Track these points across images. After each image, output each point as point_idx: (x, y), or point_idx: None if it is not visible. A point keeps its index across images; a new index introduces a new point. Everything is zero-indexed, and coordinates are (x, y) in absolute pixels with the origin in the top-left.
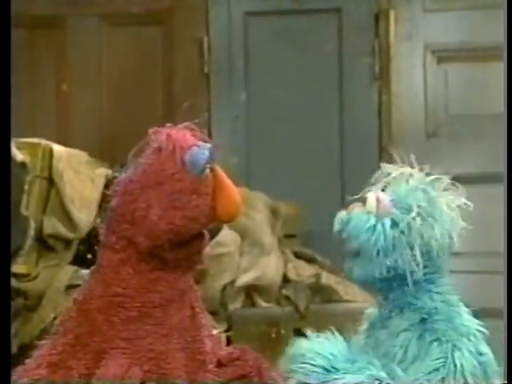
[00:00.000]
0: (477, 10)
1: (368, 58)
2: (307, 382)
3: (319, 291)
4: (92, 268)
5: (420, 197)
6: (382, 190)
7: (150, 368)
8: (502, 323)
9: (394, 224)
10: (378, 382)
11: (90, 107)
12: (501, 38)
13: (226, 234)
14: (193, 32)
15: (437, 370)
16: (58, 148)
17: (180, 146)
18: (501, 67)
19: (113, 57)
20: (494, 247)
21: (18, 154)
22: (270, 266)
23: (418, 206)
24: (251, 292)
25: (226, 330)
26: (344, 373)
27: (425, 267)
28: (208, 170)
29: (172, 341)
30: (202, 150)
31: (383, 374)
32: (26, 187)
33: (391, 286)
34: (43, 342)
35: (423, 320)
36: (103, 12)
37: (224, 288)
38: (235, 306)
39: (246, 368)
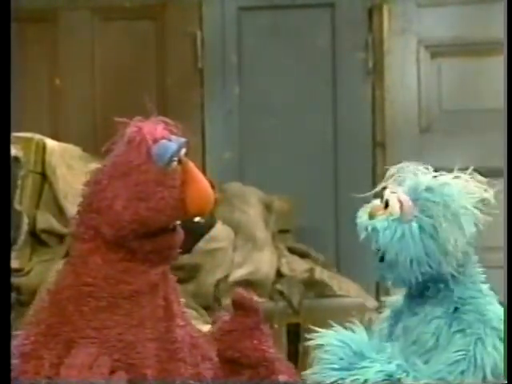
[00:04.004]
0: (470, 5)
1: (361, 53)
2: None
3: (313, 286)
4: (65, 259)
5: (439, 196)
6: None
7: (120, 357)
8: None
9: (421, 229)
10: (405, 373)
11: (83, 102)
12: (494, 32)
13: (220, 229)
14: (186, 26)
15: (457, 362)
16: (51, 143)
17: (149, 138)
18: (494, 62)
19: (105, 51)
20: (490, 242)
21: (11, 149)
22: (263, 261)
23: (443, 205)
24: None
25: None
26: (371, 361)
27: (458, 264)
28: (175, 163)
29: (143, 331)
30: (169, 143)
31: (407, 366)
32: (19, 182)
33: (426, 285)
34: (17, 332)
35: (456, 309)
36: (96, 6)
37: (217, 283)
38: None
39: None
